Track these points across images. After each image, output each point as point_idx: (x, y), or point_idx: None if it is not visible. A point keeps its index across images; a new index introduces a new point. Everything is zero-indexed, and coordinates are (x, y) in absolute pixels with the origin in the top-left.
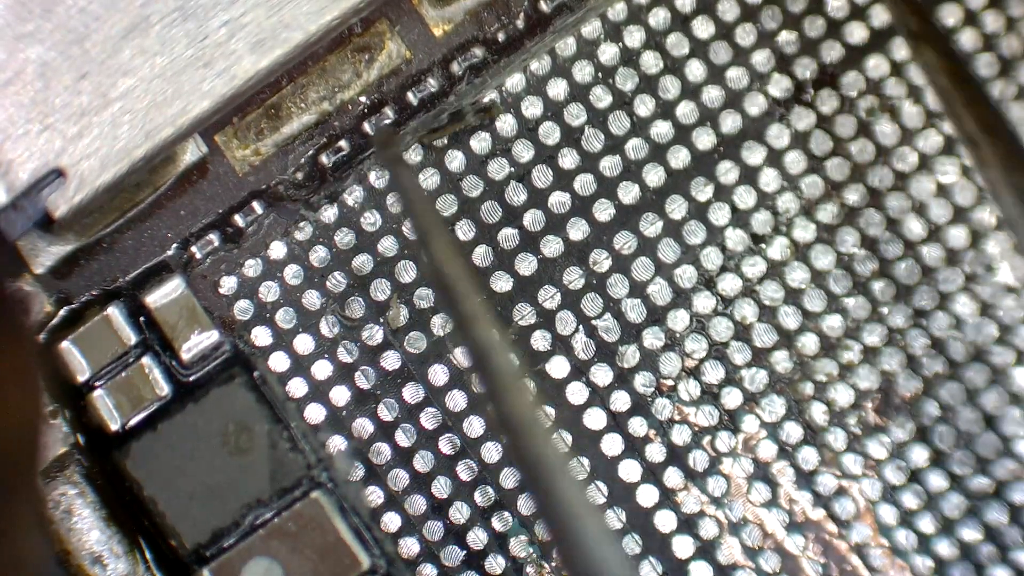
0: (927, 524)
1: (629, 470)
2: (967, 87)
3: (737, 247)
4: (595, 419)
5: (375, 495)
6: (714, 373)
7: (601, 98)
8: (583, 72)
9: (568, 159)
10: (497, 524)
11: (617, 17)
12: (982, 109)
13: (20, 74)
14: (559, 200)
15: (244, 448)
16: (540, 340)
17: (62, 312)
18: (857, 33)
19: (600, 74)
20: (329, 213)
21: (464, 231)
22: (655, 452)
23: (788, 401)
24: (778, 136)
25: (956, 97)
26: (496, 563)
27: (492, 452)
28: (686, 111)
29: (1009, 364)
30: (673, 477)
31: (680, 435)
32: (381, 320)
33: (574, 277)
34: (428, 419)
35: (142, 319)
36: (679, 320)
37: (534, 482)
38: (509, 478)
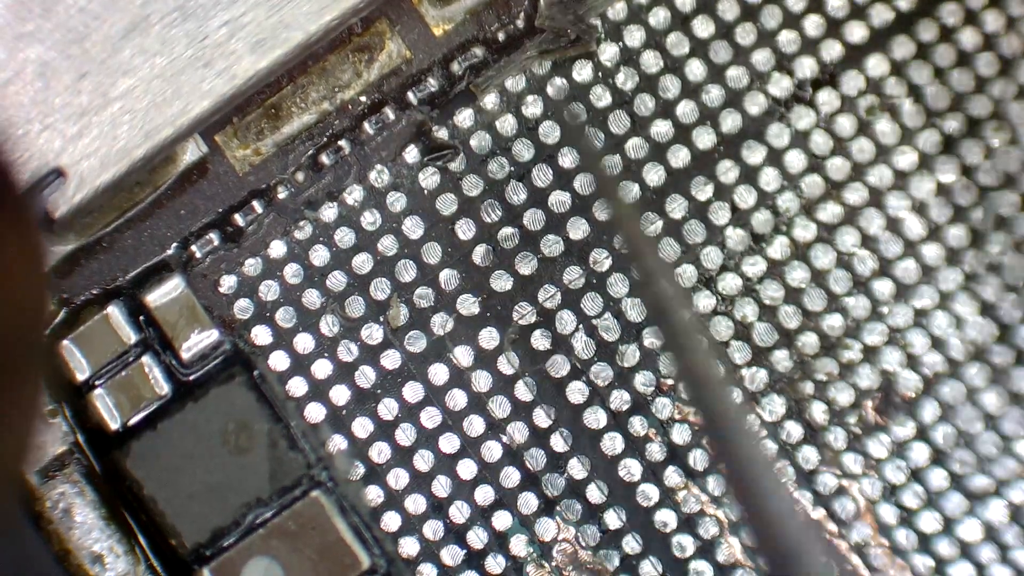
0: (927, 523)
1: (629, 469)
2: None
3: (737, 246)
4: (595, 418)
5: (375, 494)
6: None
7: (601, 97)
8: (583, 71)
9: (568, 158)
10: (497, 523)
11: (617, 16)
12: None
13: (20, 74)
14: (559, 199)
15: (244, 447)
16: (540, 339)
17: (62, 312)
18: (857, 32)
19: (600, 73)
20: (329, 212)
21: (464, 230)
22: (655, 451)
23: (788, 400)
24: (778, 135)
25: None
26: (496, 563)
27: (493, 451)
28: (686, 110)
29: (1009, 364)
30: (673, 476)
31: (680, 434)
32: (381, 319)
33: (574, 276)
34: (428, 418)
35: (142, 318)
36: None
37: (748, 494)
38: (509, 477)
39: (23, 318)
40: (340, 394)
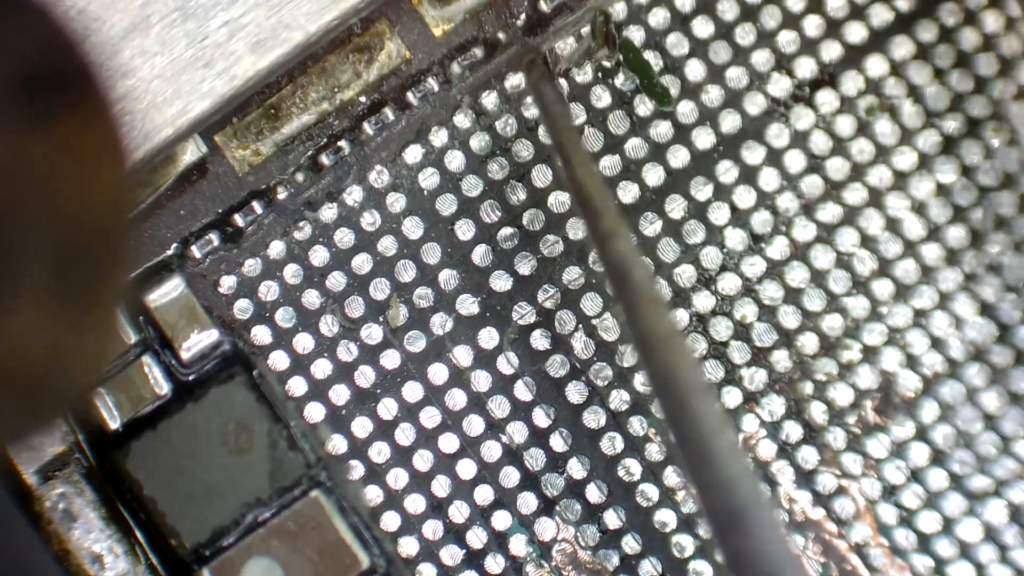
0: (927, 523)
1: (629, 469)
2: None
3: (736, 246)
4: (595, 418)
5: (375, 494)
6: (713, 372)
7: (600, 97)
8: (583, 72)
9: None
10: (497, 523)
11: (617, 17)
12: None
13: None
14: (558, 199)
15: (244, 447)
16: (540, 339)
17: None
18: (857, 33)
19: (600, 74)
20: (329, 213)
21: (464, 231)
22: (654, 451)
23: (787, 400)
24: (778, 136)
25: None
26: (496, 562)
27: (492, 451)
28: (685, 111)
29: (1009, 364)
30: (672, 476)
31: None
32: (380, 319)
33: (574, 276)
34: (428, 418)
35: (142, 318)
36: (678, 319)
37: (667, 397)
38: (509, 477)
39: (108, 209)
40: (340, 394)
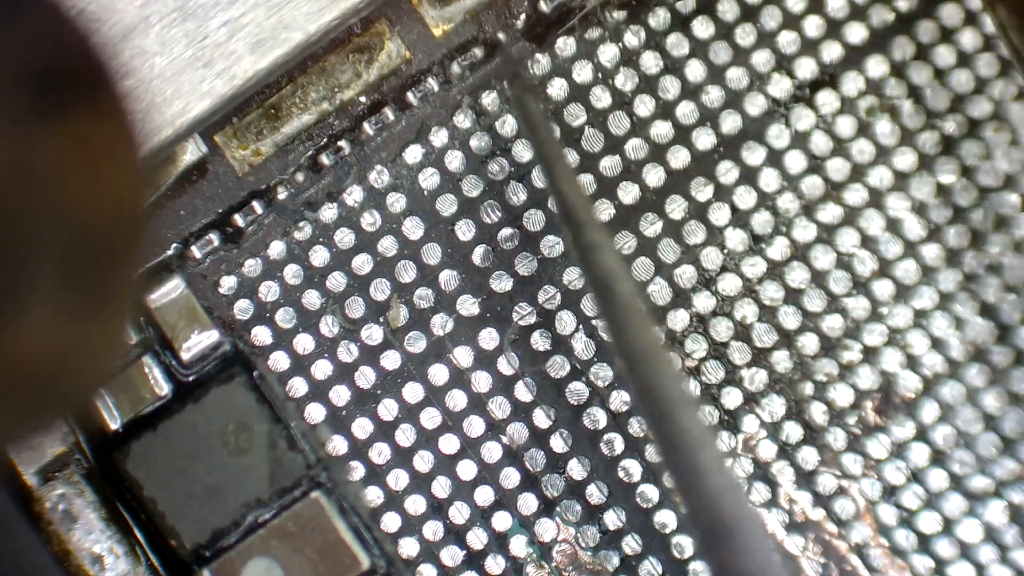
0: (927, 524)
1: (629, 469)
2: None
3: (737, 247)
4: (595, 419)
5: (375, 495)
6: (714, 373)
7: (601, 98)
8: (583, 72)
9: (567, 159)
10: (497, 524)
11: (617, 17)
12: None
13: None
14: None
15: (244, 448)
16: (540, 340)
17: None
18: (857, 33)
19: (600, 74)
20: (329, 213)
21: (464, 231)
22: (655, 452)
23: (788, 401)
24: (778, 136)
25: None
26: (496, 563)
27: (492, 452)
28: (686, 111)
29: (1009, 364)
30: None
31: None
32: (381, 320)
33: (574, 277)
34: (428, 419)
35: (142, 318)
36: (679, 320)
37: (649, 410)
38: (509, 478)
39: (121, 208)
40: (340, 395)
